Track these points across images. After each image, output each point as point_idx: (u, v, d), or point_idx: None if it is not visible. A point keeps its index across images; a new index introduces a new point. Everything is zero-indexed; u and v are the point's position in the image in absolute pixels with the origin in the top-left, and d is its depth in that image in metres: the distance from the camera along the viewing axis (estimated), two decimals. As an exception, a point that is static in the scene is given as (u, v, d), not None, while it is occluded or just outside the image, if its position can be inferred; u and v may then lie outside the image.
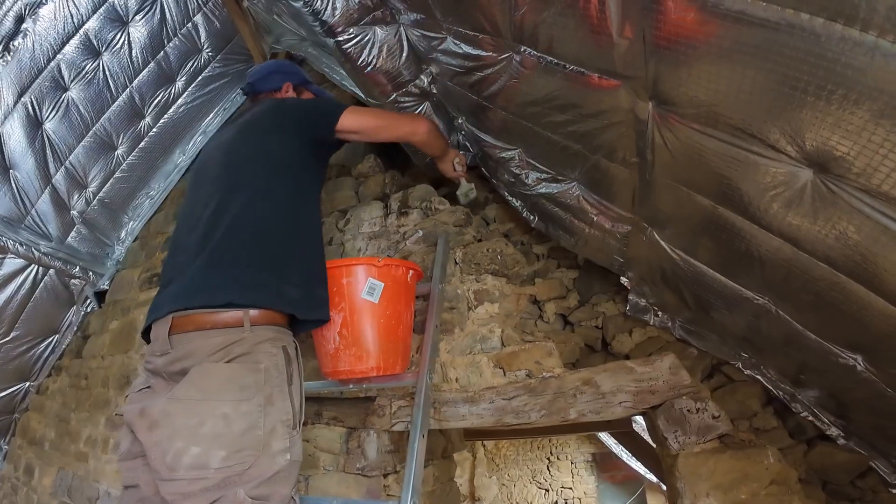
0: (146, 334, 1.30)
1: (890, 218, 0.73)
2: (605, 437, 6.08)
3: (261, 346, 1.16)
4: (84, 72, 2.64)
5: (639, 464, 5.77)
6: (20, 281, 3.07)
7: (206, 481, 1.02)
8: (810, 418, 1.41)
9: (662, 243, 1.39)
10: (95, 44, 2.58)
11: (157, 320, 1.23)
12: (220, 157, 1.53)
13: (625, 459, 6.26)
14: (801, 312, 1.15)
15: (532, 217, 1.94)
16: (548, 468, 8.24)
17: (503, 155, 1.83)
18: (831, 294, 0.99)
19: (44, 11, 2.31)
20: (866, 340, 1.04)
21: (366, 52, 1.79)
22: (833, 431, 1.38)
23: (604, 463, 8.01)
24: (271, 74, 1.91)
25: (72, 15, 2.40)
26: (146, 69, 2.88)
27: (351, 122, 1.62)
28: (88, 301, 3.59)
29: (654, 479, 5.99)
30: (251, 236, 1.28)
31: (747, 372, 1.52)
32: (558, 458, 8.25)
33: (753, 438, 1.41)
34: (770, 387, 1.48)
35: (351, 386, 1.58)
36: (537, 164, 1.71)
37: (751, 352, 1.48)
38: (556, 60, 1.18)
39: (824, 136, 0.72)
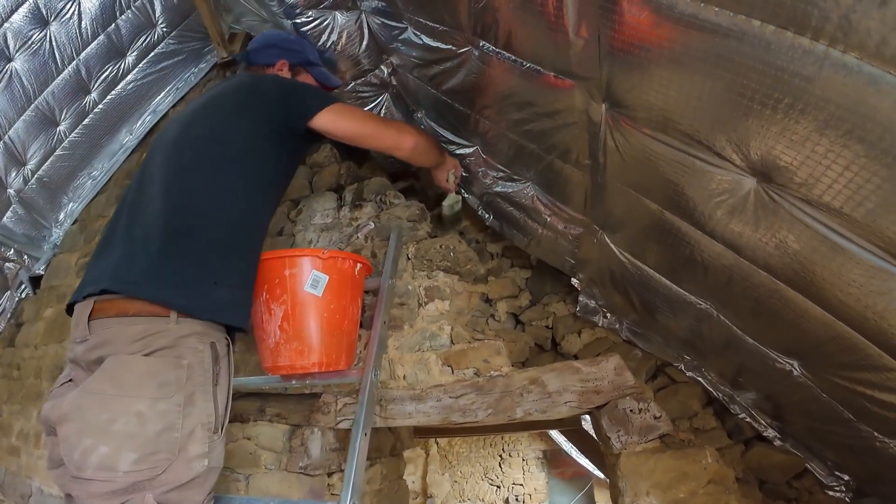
0: (69, 310, 1.19)
1: (829, 228, 0.75)
2: (555, 434, 6.18)
3: (186, 339, 1.07)
4: (30, 41, 2.45)
5: (587, 461, 5.89)
6: (-50, 263, 2.87)
7: (112, 484, 0.94)
8: (748, 419, 1.46)
9: (612, 246, 1.40)
10: (44, 12, 2.41)
11: (79, 303, 1.12)
12: (177, 131, 1.37)
13: (574, 457, 6.39)
14: (741, 318, 1.18)
15: (487, 215, 1.93)
16: (500, 465, 8.32)
17: (460, 152, 1.81)
18: (770, 301, 1.01)
19: (-6, -23, 2.15)
20: (802, 346, 1.07)
21: (324, 36, 1.74)
22: (770, 433, 1.43)
23: (554, 460, 8.15)
24: (268, 48, 1.70)
25: (22, -20, 2.23)
26: (95, 42, 2.70)
27: (327, 122, 1.44)
28: (23, 286, 3.38)
29: (601, 475, 6.13)
30: (190, 228, 1.17)
31: (689, 374, 1.55)
32: (510, 456, 8.34)
33: (693, 438, 1.44)
34: (710, 388, 1.52)
35: (294, 382, 1.52)
36: (494, 163, 1.70)
37: (693, 354, 1.51)
38: (513, 57, 1.17)
39: (769, 145, 0.73)
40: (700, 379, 1.54)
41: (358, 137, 1.52)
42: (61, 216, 3.39)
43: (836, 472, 1.31)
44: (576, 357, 1.76)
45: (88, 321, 1.08)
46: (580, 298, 1.75)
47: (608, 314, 1.72)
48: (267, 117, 1.39)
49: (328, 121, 1.44)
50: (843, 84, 0.58)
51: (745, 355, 1.24)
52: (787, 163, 0.72)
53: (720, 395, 1.51)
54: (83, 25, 2.58)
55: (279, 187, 1.50)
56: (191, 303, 1.10)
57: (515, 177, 1.64)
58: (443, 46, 1.42)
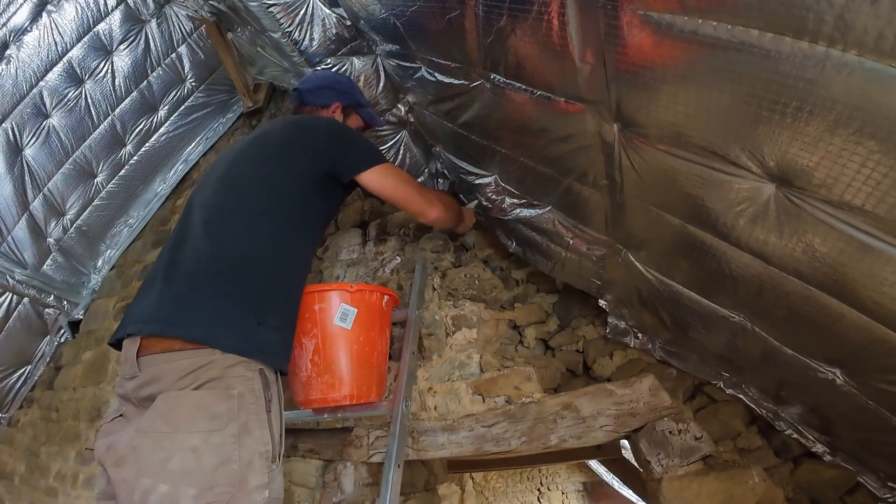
0: (116, 345, 1.19)
1: (854, 227, 0.74)
2: (595, 465, 5.98)
3: (233, 369, 1.06)
4: (66, 99, 2.65)
5: (630, 491, 5.66)
6: (-7, 310, 2.99)
7: None
8: (795, 436, 1.40)
9: (637, 264, 1.39)
10: (78, 72, 2.60)
11: (128, 338, 1.12)
12: (222, 170, 1.39)
13: (616, 488, 6.15)
14: (776, 328, 1.15)
15: (510, 242, 1.94)
16: (538, 499, 8.04)
17: (480, 181, 1.84)
18: (804, 308, 0.99)
19: (28, 38, 2.33)
20: (843, 353, 1.03)
21: (343, 81, 1.81)
22: (819, 448, 1.36)
23: (595, 492, 7.84)
24: (323, 89, 1.70)
25: (56, 42, 2.41)
26: (129, 98, 2.90)
27: (372, 180, 1.49)
28: (62, 331, 3.51)
29: (646, 507, 5.87)
30: (234, 268, 1.16)
31: (729, 391, 1.51)
32: (548, 489, 8.06)
33: (738, 459, 1.39)
34: (753, 405, 1.47)
35: (326, 415, 1.53)
36: (513, 190, 1.72)
37: (731, 371, 1.47)
38: (523, 86, 1.20)
39: (782, 150, 0.73)
40: (741, 396, 1.49)
41: (392, 199, 1.55)
42: (99, 263, 3.55)
43: (889, 483, 1.24)
44: (609, 380, 1.73)
45: (137, 358, 1.09)
46: (609, 320, 1.73)
47: (640, 334, 1.70)
48: (315, 163, 1.41)
49: (373, 179, 1.49)
50: (847, 82, 0.58)
51: (785, 367, 1.20)
52: (803, 165, 0.72)
53: (764, 411, 1.45)
54: (117, 83, 2.78)
55: (319, 230, 1.53)
56: (236, 343, 1.09)
57: (535, 202, 1.65)
58: (455, 82, 1.47)
